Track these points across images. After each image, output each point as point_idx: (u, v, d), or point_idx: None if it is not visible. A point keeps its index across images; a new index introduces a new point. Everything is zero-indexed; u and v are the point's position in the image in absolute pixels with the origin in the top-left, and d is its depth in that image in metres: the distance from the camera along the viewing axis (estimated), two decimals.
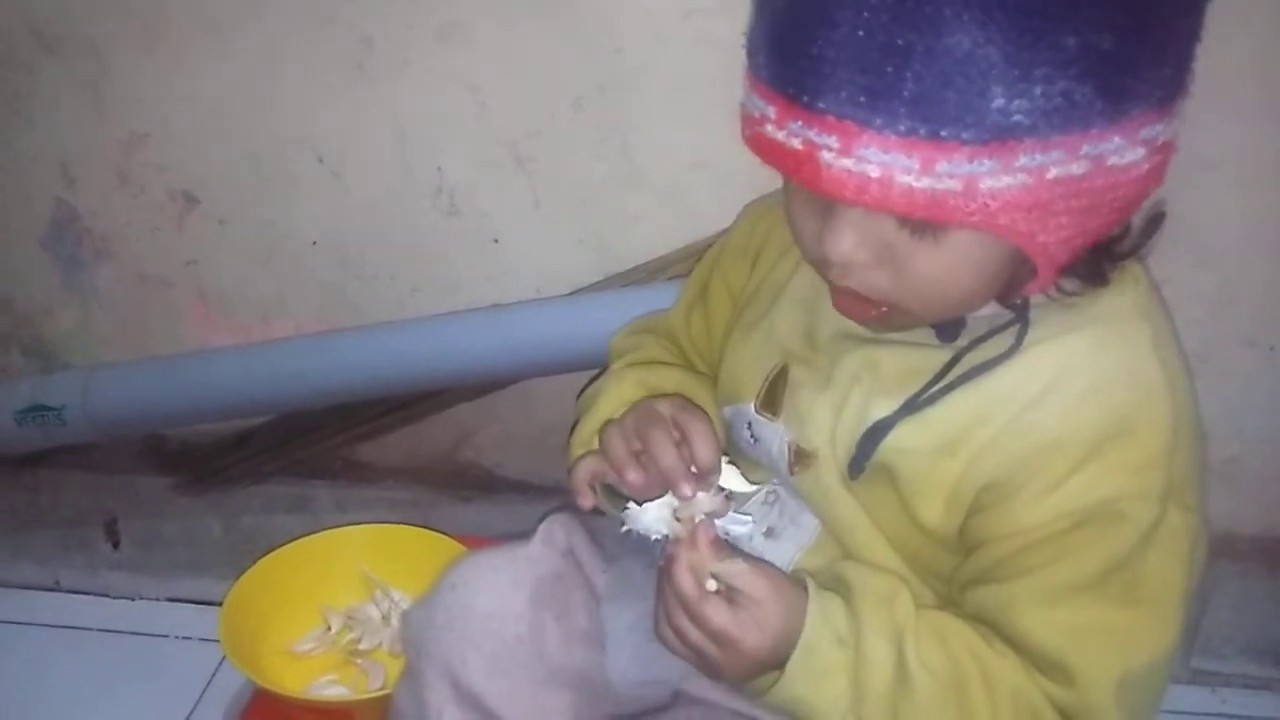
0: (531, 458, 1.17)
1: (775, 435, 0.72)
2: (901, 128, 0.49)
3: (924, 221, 0.54)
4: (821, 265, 0.61)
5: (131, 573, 1.27)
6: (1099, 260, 0.62)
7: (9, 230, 1.14)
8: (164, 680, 1.14)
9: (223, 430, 1.19)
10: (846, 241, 0.57)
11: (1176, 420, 0.62)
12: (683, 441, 0.67)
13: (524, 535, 0.82)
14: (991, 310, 0.64)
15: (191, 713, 1.12)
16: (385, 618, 1.05)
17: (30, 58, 1.04)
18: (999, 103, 0.48)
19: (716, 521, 0.66)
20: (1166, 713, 1.09)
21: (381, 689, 0.98)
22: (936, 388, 0.64)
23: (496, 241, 1.07)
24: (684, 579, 0.63)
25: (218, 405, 1.13)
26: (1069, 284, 0.63)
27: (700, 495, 0.66)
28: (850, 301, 0.62)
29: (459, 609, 0.74)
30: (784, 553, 0.72)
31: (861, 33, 0.49)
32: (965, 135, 0.49)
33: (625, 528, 0.68)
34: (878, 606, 0.64)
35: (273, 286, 1.12)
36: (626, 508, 0.67)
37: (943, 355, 0.64)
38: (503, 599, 0.74)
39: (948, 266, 0.57)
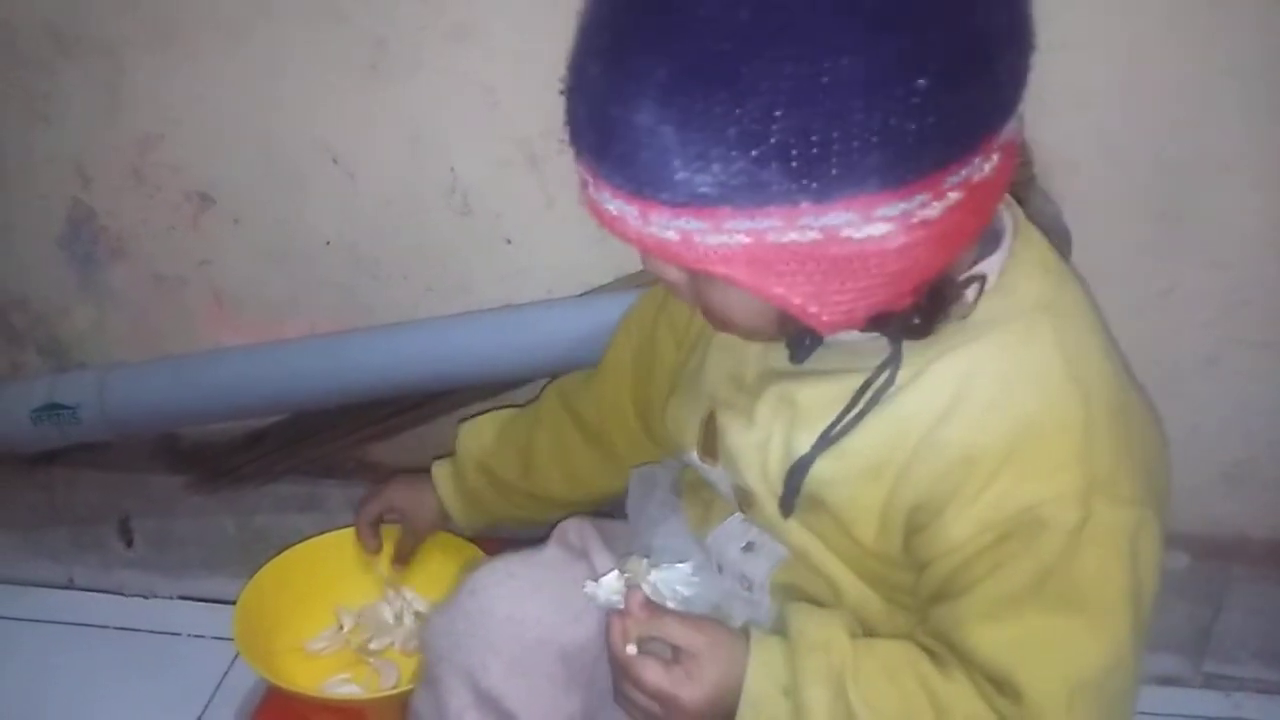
0: None
1: (721, 479, 0.74)
2: (617, 180, 0.55)
3: None
4: None
5: (145, 571, 1.27)
6: (923, 311, 0.61)
7: (26, 229, 1.15)
8: (177, 678, 1.15)
9: (236, 429, 1.20)
10: (653, 264, 0.61)
11: (1087, 413, 0.62)
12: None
13: (536, 537, 0.82)
14: (862, 335, 0.63)
15: (204, 711, 1.12)
16: (398, 617, 1.05)
17: (47, 58, 1.05)
18: (682, 175, 0.53)
19: (668, 584, 0.70)
20: (1180, 717, 1.11)
21: (394, 688, 0.98)
22: (849, 416, 0.65)
23: (509, 242, 1.07)
24: (615, 644, 0.66)
25: (231, 404, 1.13)
26: (891, 331, 0.62)
27: (641, 561, 0.70)
28: None
29: (479, 614, 0.75)
30: (762, 566, 0.74)
31: (590, 99, 0.56)
32: (662, 196, 0.54)
33: (590, 603, 0.71)
34: (813, 653, 0.64)
35: (286, 286, 1.13)
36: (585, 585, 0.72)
37: (855, 381, 0.65)
38: (521, 603, 0.75)
39: (719, 301, 0.61)
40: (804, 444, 0.67)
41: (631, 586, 0.69)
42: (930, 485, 0.63)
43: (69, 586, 1.28)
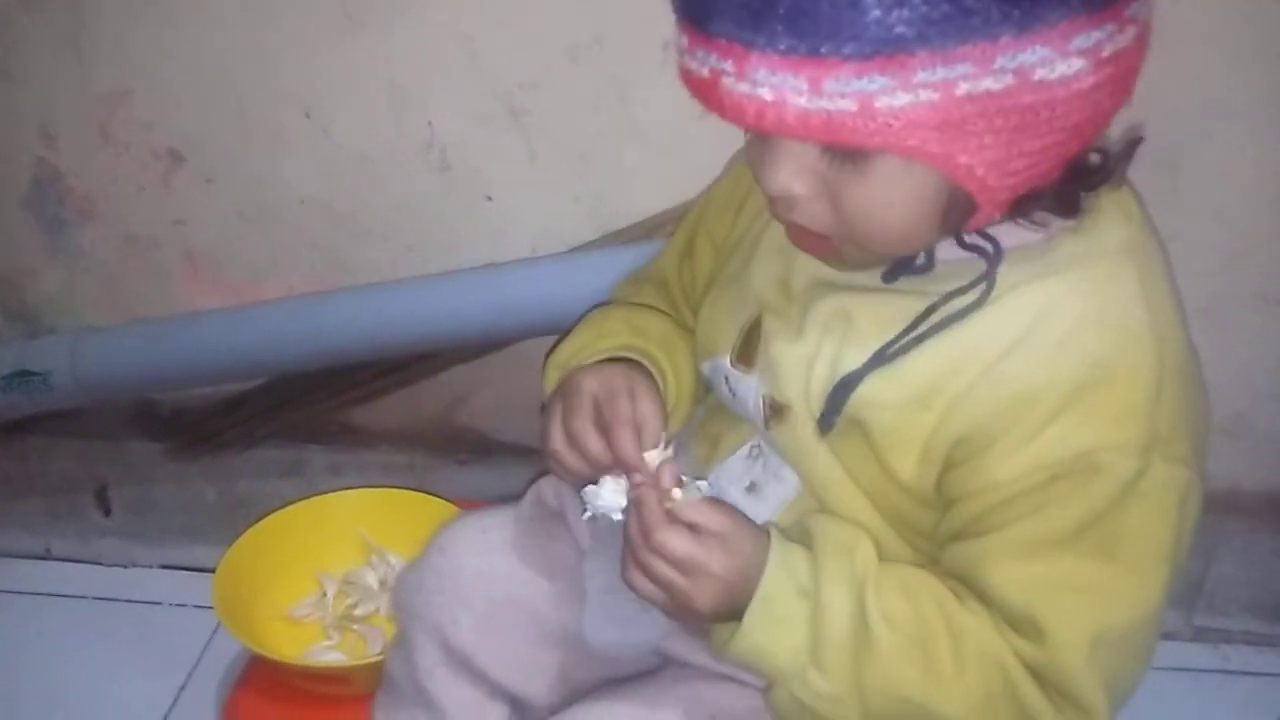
0: (527, 421, 1.14)
1: (751, 389, 0.70)
2: (782, 46, 0.50)
3: (844, 149, 0.55)
4: (770, 201, 0.61)
5: (124, 539, 1.26)
6: (1071, 188, 0.60)
7: None
8: (158, 647, 1.14)
9: (215, 394, 1.18)
10: (780, 173, 0.57)
11: (1161, 368, 0.60)
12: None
13: (512, 496, 0.81)
14: (960, 254, 0.62)
15: (187, 680, 1.11)
16: (382, 583, 1.04)
17: (6, 11, 1.02)
18: (875, 14, 0.48)
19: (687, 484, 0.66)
20: (1169, 670, 1.11)
21: (379, 654, 0.97)
22: (909, 338, 0.62)
23: (490, 199, 1.04)
24: (648, 507, 0.63)
25: (208, 369, 1.12)
26: (1039, 216, 0.61)
27: (652, 454, 0.66)
28: (800, 235, 0.62)
29: (449, 570, 0.74)
30: (766, 508, 0.71)
31: None
32: (846, 50, 0.49)
33: (586, 513, 0.68)
34: (837, 554, 0.63)
35: (263, 246, 1.10)
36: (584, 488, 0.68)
37: (918, 304, 0.62)
38: (492, 558, 0.74)
39: (876, 197, 0.56)
40: (854, 360, 0.64)
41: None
42: (983, 419, 0.61)
43: (46, 557, 1.27)
